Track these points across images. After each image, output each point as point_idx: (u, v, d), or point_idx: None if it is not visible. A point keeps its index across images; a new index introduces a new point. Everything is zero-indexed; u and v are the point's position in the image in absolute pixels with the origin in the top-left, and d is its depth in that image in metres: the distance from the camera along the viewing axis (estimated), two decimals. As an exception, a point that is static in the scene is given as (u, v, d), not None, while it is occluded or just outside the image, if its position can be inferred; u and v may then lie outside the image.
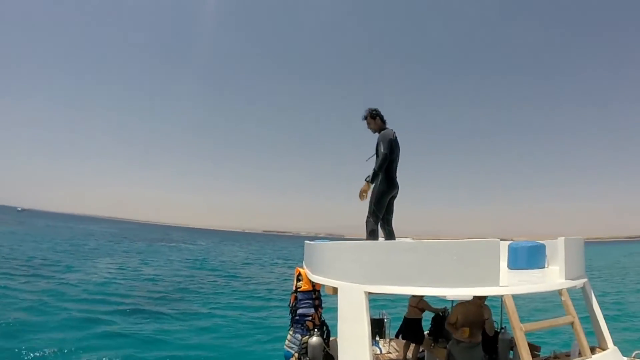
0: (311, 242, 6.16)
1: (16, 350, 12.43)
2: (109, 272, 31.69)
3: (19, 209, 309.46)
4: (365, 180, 5.61)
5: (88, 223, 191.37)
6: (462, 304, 5.93)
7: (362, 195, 5.66)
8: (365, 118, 6.12)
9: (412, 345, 7.84)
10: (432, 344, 7.54)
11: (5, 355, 11.93)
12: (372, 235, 5.68)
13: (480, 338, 5.65)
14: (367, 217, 5.76)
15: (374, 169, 5.62)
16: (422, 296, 7.78)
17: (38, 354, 12.29)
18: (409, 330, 7.81)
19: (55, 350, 12.69)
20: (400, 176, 6.01)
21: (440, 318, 7.71)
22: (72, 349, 13.02)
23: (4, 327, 14.53)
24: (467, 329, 5.70)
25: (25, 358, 11.99)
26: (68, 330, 15.06)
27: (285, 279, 34.07)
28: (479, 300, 5.55)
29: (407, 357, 7.88)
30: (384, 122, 6.07)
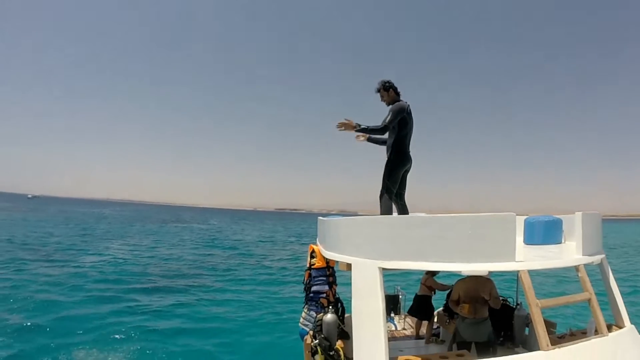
0: (324, 219, 6.11)
1: (44, 329, 13.07)
2: (124, 253, 32.34)
3: (30, 195, 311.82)
4: (357, 123, 5.42)
5: (100, 206, 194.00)
6: (463, 280, 5.97)
7: (341, 125, 5.44)
8: (379, 91, 5.98)
9: (425, 322, 7.93)
10: (447, 321, 7.60)
11: (31, 336, 12.45)
12: (386, 210, 5.62)
13: (485, 313, 5.69)
14: (381, 192, 5.70)
15: (368, 126, 5.47)
16: (433, 274, 7.85)
17: (64, 331, 12.89)
18: (417, 307, 7.92)
19: (79, 327, 13.33)
20: (416, 150, 5.91)
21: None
22: (96, 325, 13.71)
23: (28, 310, 15.10)
24: (466, 305, 5.77)
25: (51, 335, 12.54)
26: (89, 308, 15.83)
27: (299, 257, 34.34)
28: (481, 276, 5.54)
29: (421, 334, 7.97)
30: (397, 94, 5.91)
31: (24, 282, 19.75)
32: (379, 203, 5.71)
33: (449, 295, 7.36)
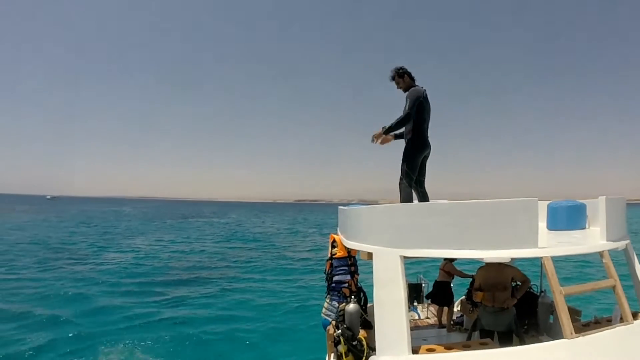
0: (345, 208, 6.11)
1: (74, 321, 13.79)
2: (146, 249, 33.19)
3: (49, 197, 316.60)
4: (382, 127, 5.48)
5: (118, 204, 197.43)
6: (483, 267, 5.94)
7: (373, 137, 5.60)
8: (393, 78, 5.91)
9: (446, 309, 7.94)
10: (471, 309, 7.58)
11: (64, 328, 13.05)
12: (406, 197, 5.60)
13: (507, 302, 5.61)
14: (400, 179, 5.65)
15: (392, 123, 5.49)
16: (452, 260, 7.85)
17: (94, 324, 13.60)
18: (437, 293, 7.94)
19: (108, 319, 14.07)
20: (433, 135, 5.80)
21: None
22: (124, 316, 14.48)
23: (59, 305, 15.81)
24: (480, 293, 5.74)
25: (82, 326, 13.25)
26: (117, 301, 16.64)
27: (320, 247, 34.57)
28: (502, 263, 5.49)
29: (444, 322, 7.98)
30: (412, 79, 5.85)
31: (53, 280, 20.49)
32: (398, 191, 5.67)
33: (472, 283, 7.33)
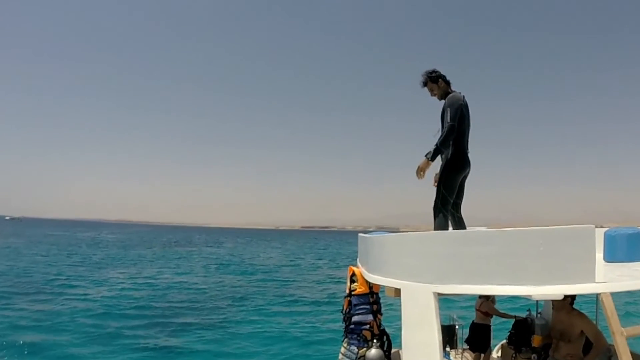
0: (366, 235, 5.93)
1: None
2: (123, 283, 33.10)
3: (8, 217, 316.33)
4: (425, 156, 5.27)
5: (95, 229, 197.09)
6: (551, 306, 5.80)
7: (419, 173, 5.31)
8: (425, 84, 5.71)
9: (483, 356, 7.90)
10: (514, 355, 7.48)
11: None
12: (441, 224, 5.42)
13: (566, 351, 5.51)
14: (435, 202, 5.48)
15: (436, 144, 5.26)
16: (488, 297, 7.81)
17: None
18: (472, 336, 7.91)
19: None
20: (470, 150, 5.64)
21: (523, 323, 7.65)
22: None
23: (14, 356, 15.25)
24: (538, 337, 5.62)
25: None
26: (86, 349, 16.02)
27: (331, 281, 34.40)
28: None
29: None
30: (448, 83, 5.65)
31: (7, 321, 19.86)
32: (430, 217, 5.53)
33: (520, 323, 7.27)
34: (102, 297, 26.85)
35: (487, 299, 7.91)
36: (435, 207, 5.51)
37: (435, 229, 5.42)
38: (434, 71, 5.71)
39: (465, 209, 5.97)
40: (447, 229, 5.50)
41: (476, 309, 8.07)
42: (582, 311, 5.97)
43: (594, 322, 7.04)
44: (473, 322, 8.11)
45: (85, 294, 27.46)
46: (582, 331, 5.56)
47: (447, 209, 5.49)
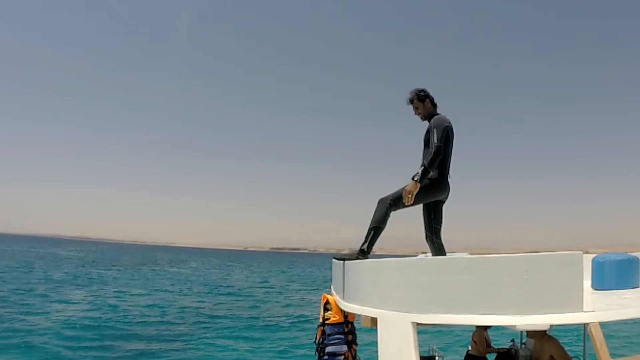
0: (340, 261, 5.77)
1: None
2: (83, 305, 32.21)
3: None
4: (412, 179, 5.22)
5: (51, 245, 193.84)
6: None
7: (407, 196, 5.24)
8: (412, 102, 5.82)
9: None
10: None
11: None
12: (380, 215, 5.41)
13: None
14: (388, 196, 5.43)
15: (423, 164, 5.27)
16: (485, 327, 7.77)
17: None
18: None
19: None
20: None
21: (507, 354, 7.64)
22: None
23: None
24: None
25: None
26: None
27: (302, 305, 34.22)
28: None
29: None
30: (434, 105, 5.78)
31: None
32: (409, 240, 5.64)
33: (503, 355, 7.29)
34: (55, 320, 25.99)
35: (483, 329, 7.81)
36: (383, 199, 5.48)
37: (373, 216, 5.46)
38: (423, 90, 5.82)
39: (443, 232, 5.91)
40: (384, 221, 5.49)
41: (472, 340, 8.01)
42: (559, 339, 6.03)
43: (582, 351, 7.12)
44: (467, 352, 8.05)
45: (39, 318, 26.54)
46: (551, 356, 5.64)
47: (392, 209, 5.44)
